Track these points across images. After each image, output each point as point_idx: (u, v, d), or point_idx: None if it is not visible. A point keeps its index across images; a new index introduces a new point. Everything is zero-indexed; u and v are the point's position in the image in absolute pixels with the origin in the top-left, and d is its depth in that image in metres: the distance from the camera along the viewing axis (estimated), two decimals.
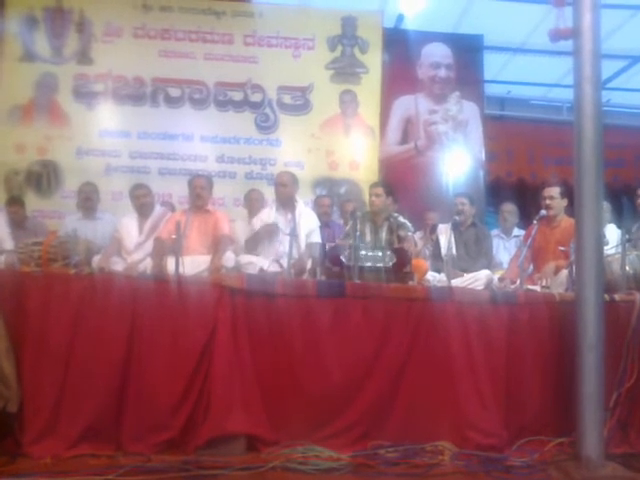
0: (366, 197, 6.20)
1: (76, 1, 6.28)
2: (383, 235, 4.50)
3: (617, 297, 3.39)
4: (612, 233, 4.48)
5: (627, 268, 3.56)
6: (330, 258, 3.71)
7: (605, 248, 3.61)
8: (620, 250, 3.59)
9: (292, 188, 4.61)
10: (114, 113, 6.25)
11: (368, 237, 4.50)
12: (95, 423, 3.05)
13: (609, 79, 7.50)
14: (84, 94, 6.23)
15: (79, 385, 3.07)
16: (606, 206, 4.63)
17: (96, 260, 4.02)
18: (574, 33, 3.13)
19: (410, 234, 4.49)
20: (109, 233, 4.72)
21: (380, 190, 4.51)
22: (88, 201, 5.02)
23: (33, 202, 5.83)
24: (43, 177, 6.10)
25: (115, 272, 3.59)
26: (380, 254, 3.67)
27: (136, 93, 6.27)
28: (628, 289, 3.49)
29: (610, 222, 4.77)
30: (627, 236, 3.68)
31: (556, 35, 3.17)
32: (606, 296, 3.24)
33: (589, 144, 3.07)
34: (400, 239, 4.41)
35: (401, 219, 4.53)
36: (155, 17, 6.35)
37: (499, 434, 3.22)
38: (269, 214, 4.61)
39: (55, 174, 6.11)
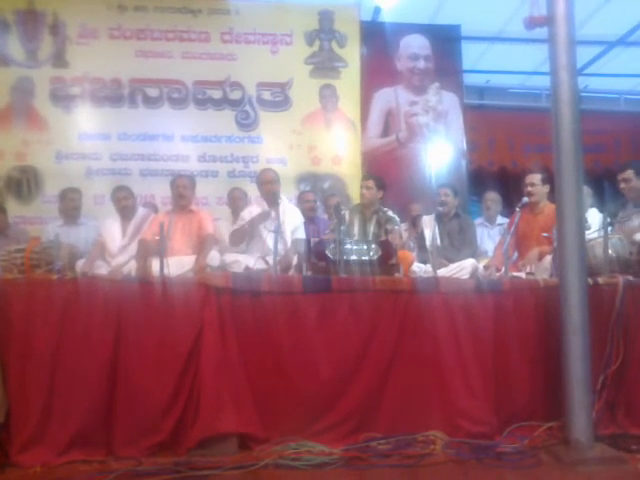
0: (350, 191, 6.28)
1: (49, 3, 6.19)
2: (371, 228, 4.52)
3: (601, 281, 3.43)
4: (594, 217, 4.51)
5: (610, 251, 3.59)
6: (316, 253, 3.71)
7: (587, 232, 3.64)
8: (602, 234, 3.62)
9: (278, 185, 4.61)
10: (92, 115, 6.17)
11: (356, 230, 4.52)
12: (85, 429, 3.04)
13: (586, 65, 7.55)
14: (61, 97, 6.15)
15: (67, 391, 3.05)
16: (587, 191, 4.67)
17: (80, 265, 4.00)
18: (548, 20, 3.14)
19: (397, 228, 4.51)
20: (92, 239, 4.68)
21: (371, 183, 4.54)
22: (75, 210, 4.97)
23: (14, 208, 5.75)
24: (23, 183, 6.02)
25: (99, 276, 3.55)
26: (365, 247, 3.68)
27: (114, 95, 6.21)
28: (611, 272, 3.52)
29: (592, 206, 4.81)
30: (609, 220, 3.71)
31: (531, 23, 3.18)
32: (590, 280, 3.27)
33: (567, 130, 3.09)
34: (387, 233, 4.42)
35: (390, 213, 4.56)
36: (130, 17, 6.28)
37: (489, 421, 3.25)
38: (257, 211, 4.59)
39: (35, 179, 6.03)
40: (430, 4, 6.57)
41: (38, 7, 6.17)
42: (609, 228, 3.69)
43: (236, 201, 5.22)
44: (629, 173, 4.23)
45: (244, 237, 4.45)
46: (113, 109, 6.21)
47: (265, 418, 3.17)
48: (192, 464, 2.91)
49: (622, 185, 4.29)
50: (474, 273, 4.01)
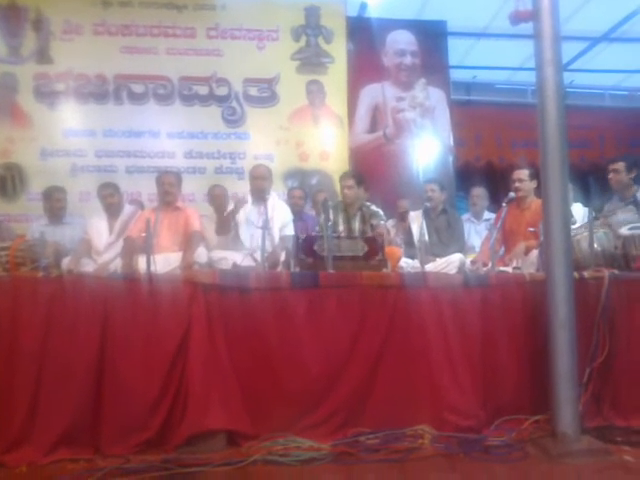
0: (337, 187, 6.22)
1: None
2: (356, 224, 4.52)
3: (586, 274, 3.46)
4: (578, 212, 4.55)
5: (595, 245, 3.62)
6: (303, 249, 3.70)
7: (573, 227, 3.66)
8: (588, 228, 3.65)
9: (267, 182, 4.61)
10: (77, 112, 6.12)
11: (341, 227, 4.51)
12: (71, 427, 3.01)
13: (571, 61, 7.59)
14: (46, 94, 6.09)
15: (53, 390, 3.02)
16: (569, 186, 4.71)
17: (65, 262, 3.96)
18: (534, 15, 3.15)
19: (382, 223, 4.52)
20: (78, 237, 4.63)
21: (351, 181, 4.53)
22: (60, 209, 4.92)
23: None
24: (7, 180, 5.96)
25: (85, 273, 3.52)
26: (352, 243, 3.68)
27: (99, 91, 6.16)
28: (597, 266, 3.55)
29: (575, 201, 4.85)
30: (594, 214, 3.74)
31: (516, 18, 3.19)
32: (575, 274, 3.30)
33: (553, 126, 3.11)
34: (373, 228, 4.43)
35: (373, 208, 4.56)
36: (115, 13, 6.23)
37: (477, 415, 3.26)
38: (245, 207, 4.58)
39: (20, 177, 5.98)
40: (416, 0, 6.57)
41: (20, 2, 6.11)
42: (596, 222, 3.72)
43: (217, 199, 5.18)
44: (620, 165, 4.28)
45: (229, 226, 4.44)
46: (98, 105, 6.16)
47: (253, 414, 3.16)
48: (180, 461, 2.90)
49: (611, 175, 4.33)
50: (461, 268, 4.03)
